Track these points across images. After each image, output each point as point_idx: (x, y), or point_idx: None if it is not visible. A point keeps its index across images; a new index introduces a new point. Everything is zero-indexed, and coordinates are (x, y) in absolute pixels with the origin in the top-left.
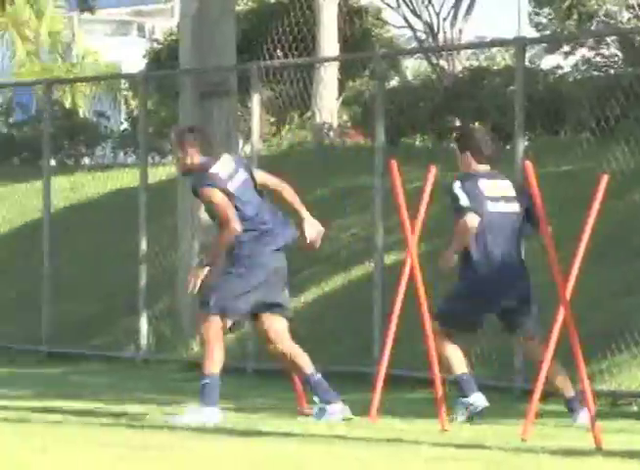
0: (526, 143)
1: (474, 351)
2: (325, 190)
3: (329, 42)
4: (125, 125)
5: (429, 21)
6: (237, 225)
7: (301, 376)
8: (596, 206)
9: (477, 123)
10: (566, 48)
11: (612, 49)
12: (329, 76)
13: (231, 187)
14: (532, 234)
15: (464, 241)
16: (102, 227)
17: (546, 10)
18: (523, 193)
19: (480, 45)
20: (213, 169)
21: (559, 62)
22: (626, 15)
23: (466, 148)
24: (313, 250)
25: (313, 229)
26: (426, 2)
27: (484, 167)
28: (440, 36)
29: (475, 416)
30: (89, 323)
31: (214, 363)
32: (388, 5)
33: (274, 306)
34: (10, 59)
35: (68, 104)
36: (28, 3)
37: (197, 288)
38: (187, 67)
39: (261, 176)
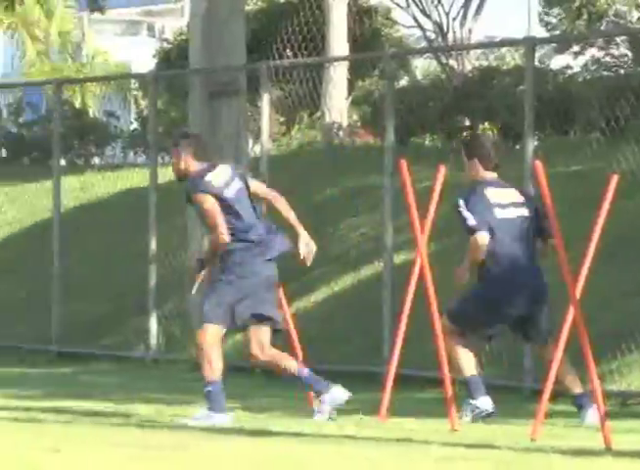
0: (536, 143)
1: (483, 350)
2: (334, 190)
3: (338, 42)
4: (135, 125)
5: (438, 20)
6: (225, 234)
7: (291, 376)
8: (606, 206)
9: (486, 123)
10: (575, 48)
11: (621, 49)
12: (338, 76)
13: (227, 194)
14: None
15: (476, 258)
16: (112, 227)
17: (556, 10)
18: (529, 200)
19: (489, 45)
20: (208, 177)
21: (568, 62)
22: (636, 14)
23: (474, 155)
24: (304, 266)
25: (308, 248)
26: (435, 2)
27: (492, 175)
28: (450, 36)
29: (481, 419)
30: (99, 323)
31: (213, 370)
32: (398, 5)
33: (265, 320)
34: (20, 59)
35: (77, 104)
36: (38, 3)
37: (196, 289)
38: (197, 66)
39: (255, 186)
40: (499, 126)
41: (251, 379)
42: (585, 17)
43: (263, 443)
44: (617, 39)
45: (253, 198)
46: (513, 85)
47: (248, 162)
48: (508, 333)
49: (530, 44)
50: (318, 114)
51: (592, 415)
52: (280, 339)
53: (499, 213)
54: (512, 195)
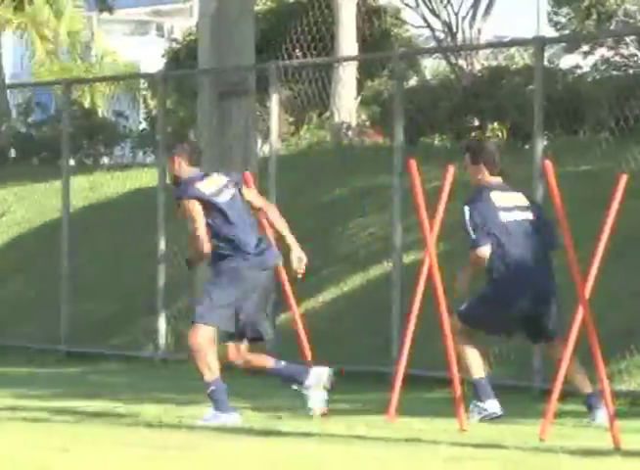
0: (545, 143)
1: (492, 350)
2: (344, 189)
3: (347, 42)
4: (144, 125)
5: (447, 20)
6: (204, 244)
7: (270, 373)
8: (615, 205)
9: (495, 123)
10: (585, 48)
11: (631, 48)
12: (347, 76)
13: (219, 199)
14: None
15: (477, 268)
16: (121, 227)
17: (565, 9)
18: (534, 204)
19: (498, 45)
20: (199, 184)
21: (578, 61)
22: None
23: (479, 160)
24: (294, 278)
25: (299, 262)
26: (445, 1)
27: (497, 179)
28: (459, 36)
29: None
30: (108, 323)
31: (212, 371)
32: (407, 5)
33: (254, 339)
34: (29, 59)
35: (86, 103)
36: (48, 3)
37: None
38: (206, 66)
39: (250, 196)
40: (508, 126)
41: (260, 379)
42: (595, 16)
43: (273, 443)
44: (627, 39)
45: (248, 208)
46: (522, 85)
47: (256, 161)
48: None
49: (540, 44)
50: (327, 114)
51: (602, 415)
52: (289, 340)
53: (504, 217)
54: (517, 199)
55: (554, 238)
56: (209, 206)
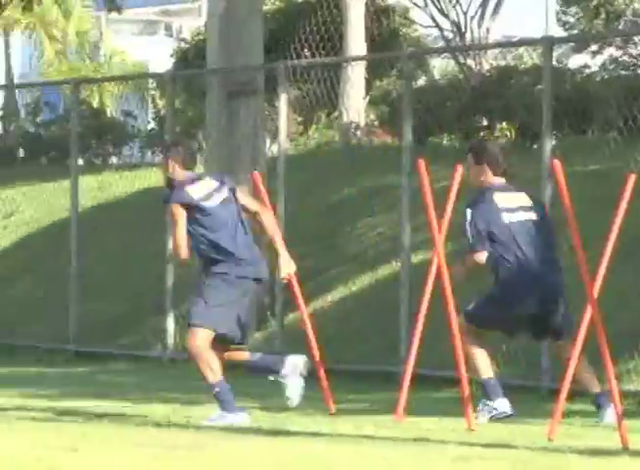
0: (554, 142)
1: (500, 350)
2: (352, 189)
3: (356, 41)
4: (153, 125)
5: (456, 20)
6: (182, 251)
7: (247, 367)
8: (623, 205)
9: (504, 123)
10: (593, 47)
11: (639, 48)
12: (356, 76)
13: (207, 204)
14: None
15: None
16: (129, 227)
17: (574, 9)
18: (538, 204)
19: (507, 44)
20: (189, 188)
21: (586, 61)
22: None
23: (483, 161)
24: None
25: (288, 269)
26: (453, 1)
27: (500, 180)
28: (468, 35)
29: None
30: (116, 322)
31: (214, 372)
32: (416, 4)
33: (239, 343)
34: (38, 58)
35: (95, 103)
36: (56, 3)
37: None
38: (214, 66)
39: (244, 200)
40: (517, 126)
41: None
42: (603, 16)
43: (282, 442)
44: (636, 38)
45: (243, 211)
46: (531, 85)
47: (265, 161)
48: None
49: (548, 43)
50: (336, 113)
51: (610, 415)
52: (298, 339)
53: (507, 218)
54: (520, 199)
55: (552, 239)
56: (196, 210)
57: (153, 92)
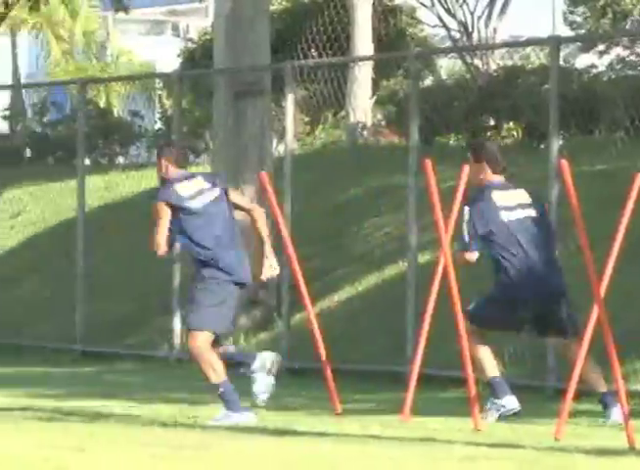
0: (561, 142)
1: (507, 350)
2: (359, 189)
3: (363, 41)
4: (159, 125)
5: (463, 20)
6: (160, 249)
7: (223, 358)
8: (630, 205)
9: (511, 123)
10: (600, 47)
11: None
12: (363, 76)
13: (192, 204)
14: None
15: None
16: (136, 227)
17: (581, 9)
18: (537, 201)
19: (514, 44)
20: (178, 186)
21: (593, 61)
22: None
23: (482, 159)
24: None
25: (271, 272)
26: (460, 1)
27: (499, 178)
28: (475, 35)
29: (506, 418)
30: (123, 322)
31: (217, 372)
32: (423, 4)
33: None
34: (45, 58)
35: (102, 103)
36: (63, 3)
37: None
38: (221, 66)
39: (236, 198)
40: (524, 126)
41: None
42: (610, 15)
43: (288, 442)
44: None
45: (236, 209)
46: (538, 84)
47: (272, 161)
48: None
49: (555, 43)
50: (343, 113)
51: (617, 414)
52: (304, 339)
53: (506, 216)
54: (519, 196)
55: (552, 234)
56: (181, 210)
57: (160, 92)
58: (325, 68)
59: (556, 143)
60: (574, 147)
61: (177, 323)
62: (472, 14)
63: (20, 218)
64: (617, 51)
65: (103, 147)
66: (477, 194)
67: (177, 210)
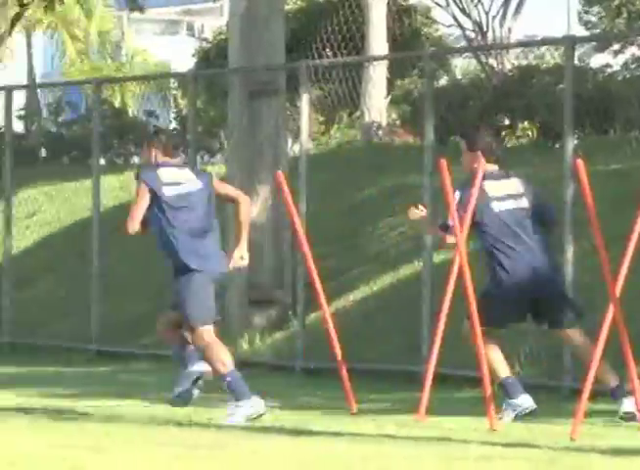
0: (576, 142)
1: (522, 350)
2: (373, 189)
3: (378, 41)
4: (174, 124)
5: (478, 19)
6: (130, 226)
7: (182, 341)
8: None
9: (526, 122)
10: (615, 46)
11: None
12: (378, 75)
13: (166, 192)
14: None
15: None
16: None
17: (596, 8)
18: (529, 190)
19: (529, 44)
20: (162, 169)
21: (608, 60)
22: None
23: (477, 147)
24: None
25: (240, 262)
26: (475, 1)
27: (493, 167)
28: (490, 35)
29: (522, 417)
30: (138, 322)
31: (224, 363)
32: (438, 4)
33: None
34: (60, 58)
35: (117, 103)
36: (78, 3)
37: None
38: (236, 66)
39: (220, 187)
40: (539, 125)
41: (290, 378)
42: (625, 15)
43: (304, 442)
44: None
45: (221, 198)
46: (552, 84)
47: (287, 161)
48: (547, 332)
49: (570, 43)
50: (357, 113)
51: (628, 403)
52: (319, 338)
53: (497, 206)
54: (510, 186)
55: (553, 216)
56: (160, 199)
57: (174, 92)
58: (340, 67)
59: (571, 142)
60: (589, 146)
61: None
62: (487, 13)
63: (35, 218)
64: (632, 50)
65: (118, 147)
66: (470, 180)
67: (156, 199)
